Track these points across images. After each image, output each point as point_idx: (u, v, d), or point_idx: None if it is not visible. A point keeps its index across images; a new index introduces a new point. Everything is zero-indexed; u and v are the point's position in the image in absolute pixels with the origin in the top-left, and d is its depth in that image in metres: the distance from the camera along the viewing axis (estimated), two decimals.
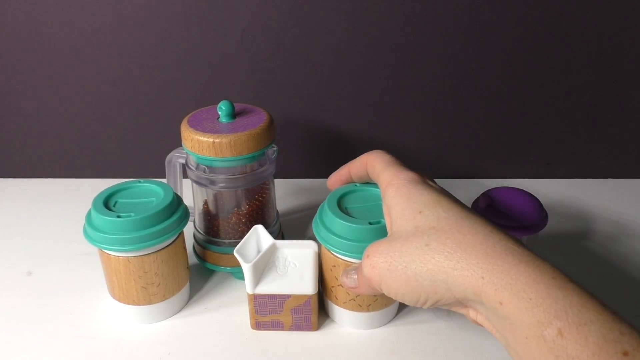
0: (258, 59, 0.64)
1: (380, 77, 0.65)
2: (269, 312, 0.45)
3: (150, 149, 0.70)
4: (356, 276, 0.38)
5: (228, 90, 0.66)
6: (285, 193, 0.69)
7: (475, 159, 0.71)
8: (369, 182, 0.46)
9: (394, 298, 0.34)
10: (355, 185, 0.46)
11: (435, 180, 0.39)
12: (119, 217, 0.42)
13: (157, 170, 0.66)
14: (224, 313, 0.48)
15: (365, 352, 0.44)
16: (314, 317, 0.45)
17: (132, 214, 0.42)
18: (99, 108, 0.68)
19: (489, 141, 0.69)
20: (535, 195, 0.48)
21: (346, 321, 0.47)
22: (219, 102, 0.51)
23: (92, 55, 0.64)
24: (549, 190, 0.68)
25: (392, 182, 0.37)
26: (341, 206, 0.44)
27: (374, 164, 0.40)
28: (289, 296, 0.44)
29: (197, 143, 0.48)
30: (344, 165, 0.44)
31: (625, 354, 0.23)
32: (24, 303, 0.50)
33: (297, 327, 0.46)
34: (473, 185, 0.69)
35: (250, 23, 0.62)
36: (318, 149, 0.71)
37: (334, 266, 0.44)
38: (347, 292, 0.44)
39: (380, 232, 0.41)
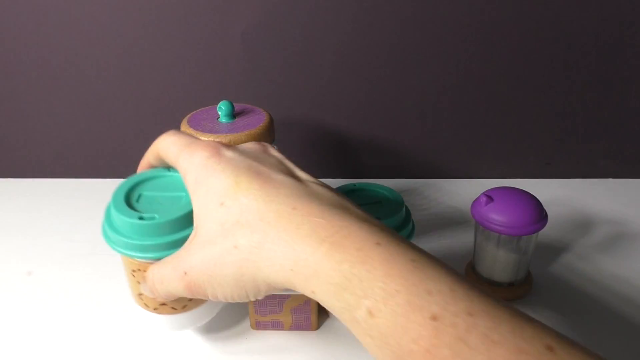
0: (258, 59, 0.64)
1: (381, 77, 0.65)
2: (268, 312, 0.45)
3: None
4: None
5: (228, 90, 0.66)
6: None
7: (475, 159, 0.71)
8: (369, 183, 0.46)
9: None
10: (354, 185, 0.46)
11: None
12: (141, 218, 0.34)
13: None
14: (224, 313, 0.48)
15: (365, 352, 0.44)
16: (313, 316, 0.45)
17: (156, 215, 0.34)
18: (99, 108, 0.68)
19: (489, 141, 0.69)
20: (535, 195, 0.48)
21: None
22: (219, 102, 0.51)
23: (92, 55, 0.64)
24: (549, 190, 0.68)
25: (189, 169, 0.31)
26: None
27: (166, 153, 0.35)
28: (288, 296, 0.44)
29: None
30: (144, 157, 0.40)
31: (434, 317, 0.22)
32: (24, 303, 0.50)
33: (297, 326, 0.46)
34: (473, 185, 0.69)
35: (250, 23, 0.62)
36: (318, 149, 0.71)
37: None
38: None
39: None
